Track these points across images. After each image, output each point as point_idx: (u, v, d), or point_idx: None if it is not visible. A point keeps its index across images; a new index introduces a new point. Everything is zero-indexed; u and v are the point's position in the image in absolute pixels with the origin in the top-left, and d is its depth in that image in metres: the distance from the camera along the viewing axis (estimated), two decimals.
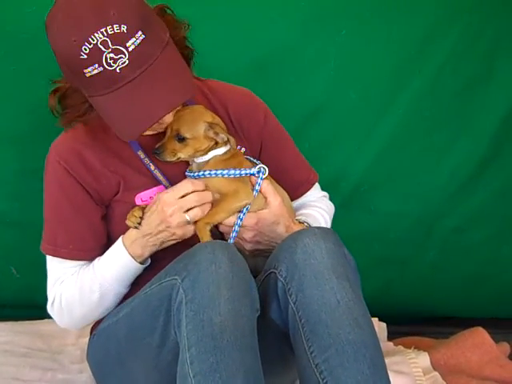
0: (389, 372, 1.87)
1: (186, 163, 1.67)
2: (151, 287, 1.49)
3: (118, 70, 1.42)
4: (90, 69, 1.42)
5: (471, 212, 2.39)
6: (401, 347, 2.14)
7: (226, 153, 1.63)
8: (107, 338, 1.64)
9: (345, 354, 1.33)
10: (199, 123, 1.59)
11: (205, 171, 1.60)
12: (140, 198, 1.63)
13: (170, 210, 1.54)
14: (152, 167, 1.65)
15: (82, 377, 1.96)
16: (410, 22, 2.18)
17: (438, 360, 2.04)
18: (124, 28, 1.40)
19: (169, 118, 1.59)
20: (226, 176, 1.60)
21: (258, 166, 1.63)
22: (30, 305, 2.31)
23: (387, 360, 1.98)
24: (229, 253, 1.41)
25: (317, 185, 1.89)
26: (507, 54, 2.23)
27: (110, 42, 1.40)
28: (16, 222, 2.21)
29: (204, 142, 1.60)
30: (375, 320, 2.33)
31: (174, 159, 1.60)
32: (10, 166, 2.15)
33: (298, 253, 1.43)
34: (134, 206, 1.62)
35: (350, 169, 2.32)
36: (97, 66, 1.41)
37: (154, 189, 1.65)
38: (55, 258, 1.68)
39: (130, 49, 1.41)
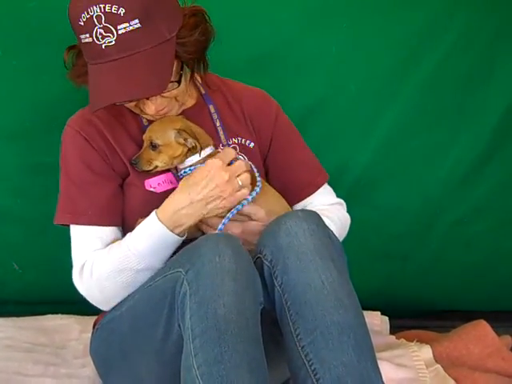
0: (391, 365, 1.92)
1: None
2: (155, 280, 1.49)
3: (103, 47, 1.48)
4: (83, 36, 1.50)
5: (472, 206, 2.38)
6: (403, 340, 2.15)
7: (204, 158, 1.65)
8: (111, 331, 1.63)
9: (330, 335, 1.35)
10: (169, 130, 1.64)
11: (190, 167, 1.64)
12: (149, 183, 1.65)
13: (227, 175, 1.53)
14: None
15: (85, 371, 1.96)
16: (411, 15, 2.17)
17: (441, 353, 2.04)
18: (122, 11, 1.45)
19: (152, 110, 1.61)
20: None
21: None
22: (33, 301, 2.32)
23: (389, 353, 2.01)
24: (233, 245, 1.41)
25: (328, 189, 1.87)
26: (508, 47, 2.22)
27: (103, 19, 1.46)
28: (18, 217, 2.21)
29: (177, 148, 1.64)
30: (377, 314, 2.34)
31: (151, 168, 1.64)
32: (13, 162, 2.14)
33: (281, 236, 1.45)
34: (144, 190, 1.64)
35: (351, 163, 2.32)
36: (88, 36, 1.48)
37: (162, 176, 1.67)
38: (76, 227, 1.64)
39: (119, 32, 1.46)
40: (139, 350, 1.54)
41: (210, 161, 1.57)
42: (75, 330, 2.18)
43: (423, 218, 2.40)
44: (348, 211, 2.33)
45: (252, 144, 1.77)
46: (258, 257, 1.49)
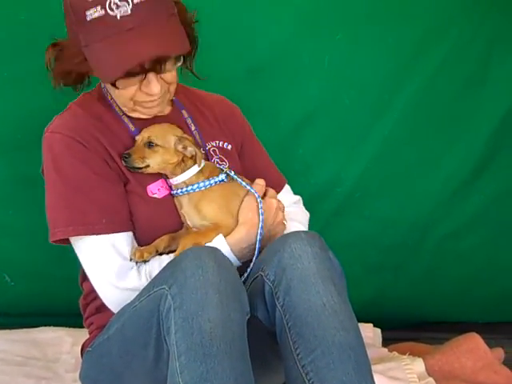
0: (384, 378, 1.91)
1: None
2: (140, 300, 1.47)
3: (118, 17, 1.44)
4: (91, 11, 1.44)
5: (465, 218, 2.39)
6: (395, 353, 2.14)
7: (201, 171, 1.66)
8: (100, 355, 1.60)
9: (330, 355, 1.35)
10: (169, 135, 1.63)
11: (187, 187, 1.64)
12: (150, 190, 1.63)
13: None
14: None
15: None
16: (404, 26, 2.19)
17: (433, 366, 2.04)
18: None
19: (157, 89, 1.56)
20: (203, 188, 1.64)
21: (223, 173, 1.67)
22: (25, 313, 2.30)
23: (382, 366, 2.00)
24: (215, 257, 1.41)
25: (288, 188, 1.91)
26: (502, 57, 2.24)
27: None
28: (10, 229, 2.20)
29: (173, 156, 1.62)
30: (370, 326, 2.33)
31: (142, 165, 1.60)
32: (4, 173, 2.14)
33: (285, 257, 1.45)
34: (147, 197, 1.62)
35: (344, 175, 2.33)
36: (99, 8, 1.44)
37: (159, 181, 1.65)
38: (90, 238, 1.56)
39: (135, 1, 1.44)
40: (133, 372, 1.52)
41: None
42: (67, 343, 2.16)
43: (416, 230, 2.40)
44: (341, 223, 2.34)
45: (230, 146, 1.78)
46: (260, 274, 1.49)
